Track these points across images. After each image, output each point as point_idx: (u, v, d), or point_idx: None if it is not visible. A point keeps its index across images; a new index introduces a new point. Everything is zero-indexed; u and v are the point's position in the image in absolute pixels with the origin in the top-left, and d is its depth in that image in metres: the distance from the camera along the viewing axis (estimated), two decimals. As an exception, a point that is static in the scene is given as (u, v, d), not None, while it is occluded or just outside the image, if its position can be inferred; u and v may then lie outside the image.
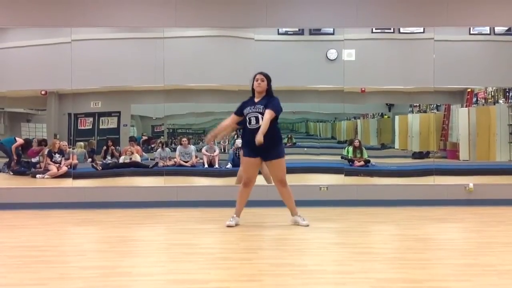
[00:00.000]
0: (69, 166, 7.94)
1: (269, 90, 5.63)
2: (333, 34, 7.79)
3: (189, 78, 7.71)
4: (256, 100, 5.60)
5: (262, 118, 5.44)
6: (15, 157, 8.34)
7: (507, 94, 8.61)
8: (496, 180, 7.85)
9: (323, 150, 8.68)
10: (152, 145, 8.82)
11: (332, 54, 7.77)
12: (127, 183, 7.92)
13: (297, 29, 7.83)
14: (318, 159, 8.49)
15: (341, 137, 8.94)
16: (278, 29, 7.80)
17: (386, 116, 8.98)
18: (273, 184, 5.87)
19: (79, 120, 8.25)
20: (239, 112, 5.68)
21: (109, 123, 8.46)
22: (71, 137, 8.26)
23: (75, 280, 3.71)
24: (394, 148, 8.94)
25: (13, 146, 8.34)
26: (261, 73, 5.65)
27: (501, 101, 8.64)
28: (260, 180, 6.42)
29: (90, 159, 8.39)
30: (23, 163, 8.43)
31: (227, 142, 8.96)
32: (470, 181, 7.30)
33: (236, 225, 5.59)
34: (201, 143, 8.94)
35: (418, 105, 8.96)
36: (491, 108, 8.62)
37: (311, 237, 5.14)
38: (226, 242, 5.00)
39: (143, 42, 7.79)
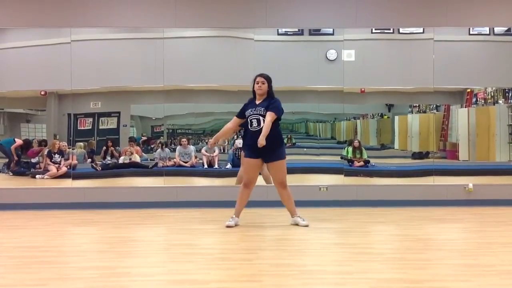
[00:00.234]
0: (68, 167, 7.94)
1: (270, 92, 5.63)
2: (332, 34, 7.79)
3: (189, 78, 7.70)
4: (257, 102, 5.61)
5: (264, 120, 5.45)
6: (15, 158, 8.34)
7: (507, 94, 8.62)
8: (496, 181, 7.85)
9: (322, 150, 8.68)
10: (152, 146, 8.82)
11: (332, 54, 7.78)
12: (127, 183, 7.91)
13: (296, 30, 7.83)
14: (318, 160, 8.49)
15: (341, 138, 8.94)
16: (278, 30, 7.80)
17: (385, 117, 8.99)
18: (272, 184, 5.87)
19: (78, 121, 8.25)
20: (241, 114, 5.69)
21: (109, 123, 8.46)
22: (71, 137, 8.26)
23: (75, 280, 3.70)
24: (393, 148, 8.95)
25: (12, 147, 8.34)
26: (261, 75, 5.65)
27: (500, 102, 8.65)
28: (260, 180, 6.42)
29: (89, 160, 8.39)
30: (22, 164, 8.43)
31: (226, 143, 8.96)
32: (469, 182, 7.30)
33: (236, 225, 5.60)
34: (200, 143, 8.94)
35: (417, 105, 8.96)
36: (491, 109, 8.62)
37: (311, 237, 5.14)
38: (226, 242, 5.00)
39: (143, 42, 7.78)
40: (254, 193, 5.77)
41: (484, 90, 8.75)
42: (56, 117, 8.22)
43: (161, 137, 8.70)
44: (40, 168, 8.19)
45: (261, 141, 5.31)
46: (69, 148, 8.18)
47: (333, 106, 8.33)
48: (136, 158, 8.39)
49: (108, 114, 8.42)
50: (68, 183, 7.58)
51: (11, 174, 8.35)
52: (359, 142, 8.37)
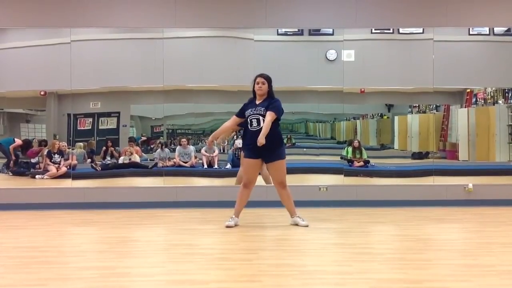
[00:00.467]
0: (68, 167, 7.94)
1: (270, 92, 5.63)
2: (332, 34, 7.79)
3: (188, 78, 7.71)
4: (257, 102, 5.61)
5: (264, 120, 5.46)
6: (12, 157, 8.34)
7: (507, 94, 8.62)
8: (496, 181, 7.85)
9: (322, 150, 8.69)
10: (152, 146, 8.82)
11: (332, 54, 7.78)
12: (127, 183, 7.91)
13: (296, 30, 7.83)
14: (317, 160, 8.49)
15: (341, 138, 8.94)
16: (277, 30, 7.80)
17: (385, 117, 8.99)
18: (272, 184, 5.87)
19: (78, 121, 8.25)
20: (241, 114, 5.69)
21: (109, 123, 8.46)
22: (71, 137, 8.26)
23: (75, 280, 3.70)
24: (393, 148, 8.95)
25: (11, 147, 8.35)
26: (261, 75, 5.64)
27: (500, 102, 8.65)
28: (259, 180, 6.42)
29: (89, 160, 8.39)
30: (22, 164, 8.43)
31: (226, 143, 8.96)
32: (469, 182, 7.30)
33: (236, 225, 5.59)
34: (200, 143, 8.94)
35: (417, 105, 8.97)
36: (491, 109, 8.63)
37: (310, 237, 5.14)
38: (226, 242, 5.00)
39: (142, 42, 7.78)
40: (254, 193, 5.76)
41: (484, 90, 8.75)
42: (55, 117, 8.22)
43: (161, 137, 8.70)
44: (40, 168, 8.19)
45: (261, 139, 5.32)
46: (68, 148, 8.18)
47: (333, 106, 8.33)
48: (136, 158, 8.39)
49: (107, 114, 8.42)
50: (68, 183, 7.58)
51: (11, 174, 8.36)
52: (359, 142, 8.38)
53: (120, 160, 8.34)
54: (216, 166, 8.52)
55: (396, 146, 8.93)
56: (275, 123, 5.54)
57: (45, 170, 8.04)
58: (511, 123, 8.53)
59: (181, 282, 3.63)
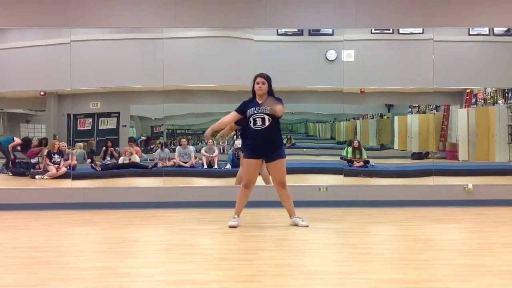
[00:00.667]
0: (68, 167, 7.94)
1: (270, 92, 5.63)
2: (332, 34, 7.79)
3: (188, 78, 7.70)
4: (259, 101, 5.60)
5: (269, 119, 5.46)
6: (11, 156, 8.34)
7: (506, 94, 8.62)
8: (496, 181, 7.85)
9: (322, 150, 8.69)
10: (151, 146, 8.82)
11: (332, 54, 7.78)
12: (127, 183, 7.90)
13: (296, 30, 7.84)
14: (317, 160, 8.49)
15: (341, 138, 8.94)
16: (277, 30, 7.80)
17: (385, 117, 8.99)
18: (272, 185, 5.87)
19: (78, 121, 8.25)
20: (241, 111, 5.65)
21: (108, 123, 8.46)
22: (71, 137, 8.26)
23: (75, 281, 3.70)
24: (393, 148, 8.95)
25: (10, 145, 8.34)
26: (261, 75, 5.63)
27: (500, 102, 8.65)
28: (259, 180, 6.42)
29: (89, 160, 8.39)
30: (22, 164, 8.43)
31: (226, 143, 8.96)
32: (469, 182, 7.30)
33: (238, 225, 5.59)
34: (200, 143, 8.94)
35: (417, 105, 8.97)
36: (490, 109, 8.63)
37: (310, 237, 5.14)
38: (226, 242, 5.00)
39: (142, 42, 7.79)
40: (254, 193, 5.76)
41: (483, 91, 8.75)
42: (55, 117, 8.22)
43: (161, 138, 8.70)
44: (39, 168, 8.19)
45: (279, 106, 5.33)
46: (68, 149, 8.18)
47: (333, 107, 8.33)
48: (136, 159, 8.39)
49: (107, 115, 8.42)
50: (68, 183, 7.58)
51: (11, 174, 8.35)
52: (358, 142, 8.38)
53: (120, 160, 8.34)
54: (216, 166, 8.52)
55: (396, 146, 8.93)
56: (277, 123, 5.54)
57: (45, 170, 8.04)
58: (511, 123, 8.53)
59: (181, 282, 3.63)
